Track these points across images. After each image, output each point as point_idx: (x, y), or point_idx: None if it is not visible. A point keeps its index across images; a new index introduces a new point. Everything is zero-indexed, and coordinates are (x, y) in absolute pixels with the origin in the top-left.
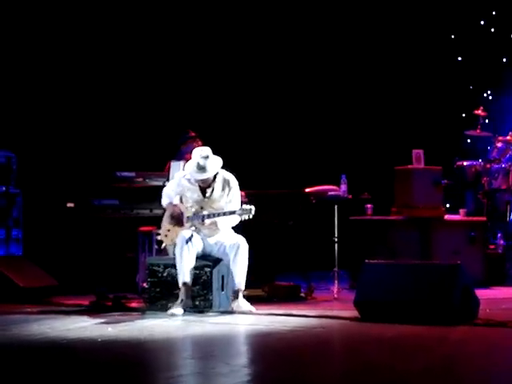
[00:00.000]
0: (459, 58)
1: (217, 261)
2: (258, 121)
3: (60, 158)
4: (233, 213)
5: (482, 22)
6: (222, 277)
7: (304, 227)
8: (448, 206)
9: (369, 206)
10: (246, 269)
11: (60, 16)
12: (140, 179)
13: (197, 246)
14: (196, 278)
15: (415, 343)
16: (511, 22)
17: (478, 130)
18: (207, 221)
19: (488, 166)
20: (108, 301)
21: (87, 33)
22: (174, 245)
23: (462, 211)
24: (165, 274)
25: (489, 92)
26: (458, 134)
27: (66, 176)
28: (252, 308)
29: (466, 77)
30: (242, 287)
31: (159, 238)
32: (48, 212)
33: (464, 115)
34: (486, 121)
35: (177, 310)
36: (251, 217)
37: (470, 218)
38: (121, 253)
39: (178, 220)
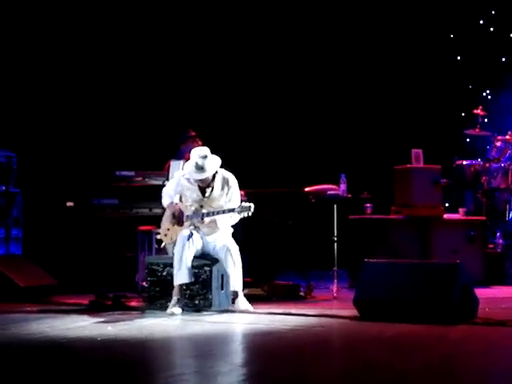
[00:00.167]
0: (458, 58)
1: (216, 260)
2: (257, 120)
3: (60, 158)
4: (232, 210)
5: (482, 22)
6: (222, 276)
7: (303, 226)
8: (447, 205)
9: (368, 205)
10: (240, 270)
11: (60, 16)
12: (139, 178)
13: (196, 246)
14: (195, 276)
15: (414, 342)
16: (510, 22)
17: (478, 130)
18: (206, 219)
19: (487, 165)
20: (107, 300)
21: (87, 33)
22: (174, 244)
23: (461, 210)
24: (164, 274)
25: (488, 91)
26: (458, 133)
27: (65, 175)
28: (250, 307)
29: (465, 76)
30: (239, 288)
31: (159, 237)
32: (48, 211)
33: (463, 114)
34: (486, 120)
35: (176, 309)
36: (250, 214)
37: (470, 217)
38: (120, 252)
39: (177, 219)
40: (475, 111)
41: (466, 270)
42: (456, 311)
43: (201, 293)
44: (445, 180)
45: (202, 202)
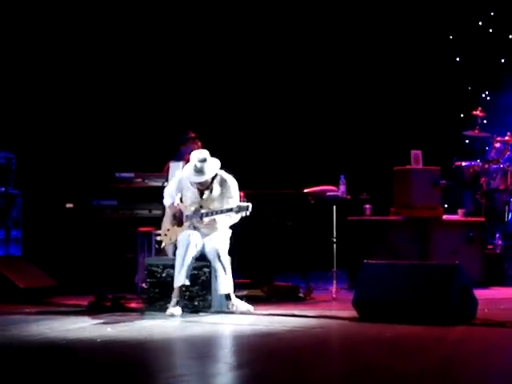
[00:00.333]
0: (457, 59)
1: None
2: (257, 121)
3: (59, 159)
4: (230, 210)
5: (480, 23)
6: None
7: (303, 227)
8: (446, 206)
9: (367, 206)
10: (229, 273)
11: (60, 16)
12: (139, 180)
13: (198, 248)
14: (195, 278)
15: (413, 343)
16: (509, 23)
17: (477, 131)
18: (205, 219)
19: (486, 166)
20: (107, 301)
21: (87, 33)
22: (173, 245)
23: (460, 211)
24: (164, 275)
25: (487, 92)
26: (457, 134)
27: (65, 177)
28: (251, 307)
29: (464, 77)
30: (229, 291)
31: (159, 238)
32: (47, 213)
33: (462, 116)
34: (485, 121)
35: (175, 310)
36: (248, 214)
37: (469, 218)
38: (120, 253)
39: (177, 220)
40: (474, 112)
41: (465, 271)
42: (455, 312)
43: (200, 294)
44: (444, 181)
45: (201, 202)
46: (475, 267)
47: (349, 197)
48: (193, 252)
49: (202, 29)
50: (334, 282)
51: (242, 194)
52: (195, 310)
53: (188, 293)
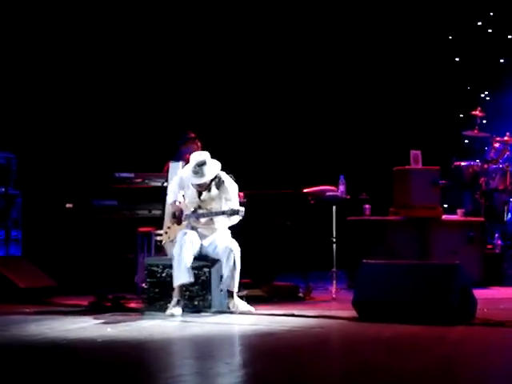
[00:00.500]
0: (457, 59)
1: (215, 261)
2: (256, 121)
3: (59, 159)
4: (223, 213)
5: (480, 23)
6: (221, 277)
7: (302, 227)
8: (446, 206)
9: (367, 206)
10: (238, 272)
11: (60, 16)
12: (139, 180)
13: (194, 246)
14: (195, 278)
15: (413, 343)
16: (508, 23)
17: (476, 131)
18: (202, 220)
19: (485, 166)
20: (107, 301)
21: (87, 34)
22: (172, 243)
23: (459, 211)
24: (164, 275)
25: (486, 92)
26: (456, 134)
27: (65, 177)
28: (251, 308)
29: (463, 77)
30: (234, 289)
31: (159, 238)
32: (47, 213)
33: (462, 116)
34: (484, 121)
35: (176, 310)
36: (240, 218)
37: (468, 218)
38: (120, 253)
39: (177, 218)
40: (473, 112)
41: (465, 271)
42: (454, 312)
43: (200, 294)
44: (443, 181)
45: (199, 203)
46: (475, 267)
47: (348, 197)
48: (189, 250)
49: (201, 29)
50: (334, 281)
51: (241, 194)
52: (195, 310)
53: (188, 293)
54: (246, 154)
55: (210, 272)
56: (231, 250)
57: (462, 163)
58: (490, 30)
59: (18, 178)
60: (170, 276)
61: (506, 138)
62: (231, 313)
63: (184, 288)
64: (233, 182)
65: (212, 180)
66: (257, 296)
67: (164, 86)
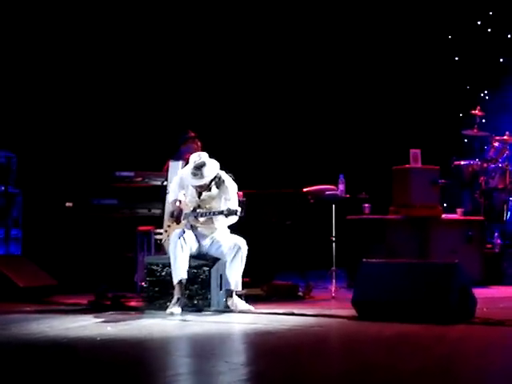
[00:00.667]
0: (456, 58)
1: (215, 260)
2: (256, 121)
3: (59, 158)
4: (221, 213)
5: (479, 23)
6: (221, 276)
7: (302, 226)
8: (445, 205)
9: (366, 205)
10: (242, 270)
11: (60, 16)
12: (139, 179)
13: (190, 244)
14: (195, 277)
15: (413, 342)
16: (508, 22)
17: (475, 130)
18: (201, 219)
19: (485, 165)
20: (107, 300)
21: (87, 33)
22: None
23: (459, 210)
24: (163, 274)
25: (486, 92)
26: (456, 133)
27: (65, 176)
28: (251, 307)
29: (463, 77)
30: (239, 288)
31: (159, 237)
32: (47, 212)
33: (461, 115)
34: (483, 120)
35: (175, 308)
36: (237, 218)
37: (468, 218)
38: (119, 252)
39: (175, 217)
40: (473, 112)
41: (464, 270)
42: (454, 311)
43: (200, 293)
44: (443, 180)
45: (199, 202)
46: (474, 266)
47: (348, 196)
48: (184, 249)
49: (201, 28)
50: (334, 280)
51: (241, 193)
52: (195, 309)
53: (188, 291)
54: (246, 154)
55: (209, 271)
56: (239, 248)
57: (462, 162)
58: (489, 30)
59: (18, 177)
60: (170, 275)
61: (505, 137)
62: (231, 312)
63: (184, 286)
64: (232, 181)
65: (212, 180)
66: (256, 295)
67: (164, 85)
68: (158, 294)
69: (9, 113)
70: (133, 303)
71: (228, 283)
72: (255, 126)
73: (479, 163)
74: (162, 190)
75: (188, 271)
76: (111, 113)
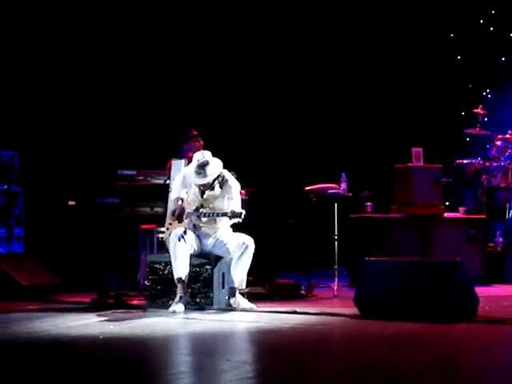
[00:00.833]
0: (459, 57)
1: (217, 258)
2: (258, 119)
3: (62, 157)
4: (225, 214)
5: (482, 21)
6: (223, 274)
7: (304, 225)
8: (447, 203)
9: (369, 203)
10: (247, 268)
11: (61, 16)
12: (141, 177)
13: (191, 243)
14: (197, 275)
15: (415, 340)
16: (510, 21)
17: (478, 129)
18: (204, 219)
19: (487, 164)
20: (109, 298)
21: (88, 32)
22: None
23: (461, 209)
24: (165, 272)
25: (488, 90)
26: (458, 132)
27: (67, 174)
28: (253, 305)
29: (465, 75)
30: (243, 286)
31: (161, 235)
32: (50, 210)
33: (463, 114)
34: (486, 119)
35: (178, 307)
36: (241, 221)
37: (470, 216)
38: (122, 251)
39: (177, 216)
40: (475, 110)
41: (466, 269)
42: (456, 309)
43: (202, 291)
44: (445, 179)
45: (201, 201)
46: (476, 265)
47: (350, 194)
48: (185, 248)
49: (204, 27)
50: (336, 279)
51: (243, 192)
52: (197, 307)
53: (190, 290)
54: (248, 152)
55: (212, 269)
56: (247, 247)
57: (464, 161)
58: (491, 28)
59: (21, 176)
60: (172, 273)
61: (507, 136)
62: (233, 310)
63: (186, 285)
64: (235, 180)
65: (215, 179)
66: (258, 293)
67: (166, 83)
68: (160, 293)
69: (11, 112)
70: (135, 301)
71: (232, 281)
72: (257, 125)
73: (481, 162)
74: (165, 189)
75: (190, 270)
76: (113, 111)
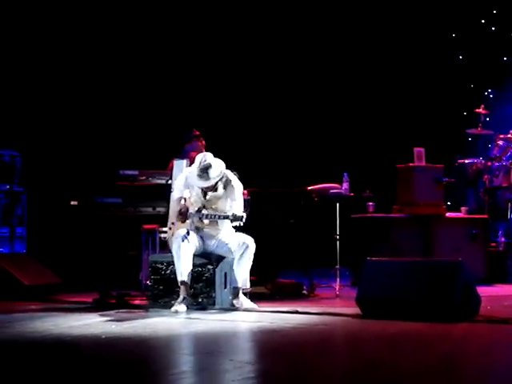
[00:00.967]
0: (460, 57)
1: (220, 258)
2: (260, 119)
3: (64, 157)
4: (227, 217)
5: (483, 21)
6: (225, 274)
7: (306, 225)
8: (449, 203)
9: (370, 203)
10: (249, 268)
11: (61, 16)
12: (143, 177)
13: (194, 244)
14: (199, 275)
15: (417, 340)
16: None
17: (479, 128)
18: (205, 221)
19: (489, 163)
20: (111, 298)
21: (89, 32)
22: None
23: (463, 209)
24: (168, 272)
25: (490, 90)
26: (460, 132)
27: (69, 174)
28: (255, 305)
29: (467, 75)
30: (247, 285)
31: (162, 235)
32: (52, 210)
33: (465, 113)
34: (487, 119)
35: (180, 307)
36: (242, 224)
37: (472, 216)
38: (124, 250)
39: (182, 215)
40: (477, 110)
41: (468, 268)
42: (458, 309)
43: (204, 291)
44: (447, 178)
45: (204, 202)
46: (478, 264)
47: (352, 194)
48: (187, 247)
49: (205, 27)
50: (338, 279)
51: (245, 192)
52: (199, 307)
53: (192, 290)
54: (250, 152)
55: (214, 269)
56: (248, 246)
57: (466, 161)
58: (493, 28)
59: (23, 176)
60: (174, 273)
61: (509, 136)
62: (235, 310)
63: (189, 286)
64: (238, 181)
65: (218, 180)
66: (260, 293)
67: (168, 83)
68: (162, 293)
69: (13, 112)
70: (137, 301)
71: (235, 281)
72: (259, 125)
73: (483, 161)
74: (167, 189)
75: (192, 270)
76: (115, 111)
